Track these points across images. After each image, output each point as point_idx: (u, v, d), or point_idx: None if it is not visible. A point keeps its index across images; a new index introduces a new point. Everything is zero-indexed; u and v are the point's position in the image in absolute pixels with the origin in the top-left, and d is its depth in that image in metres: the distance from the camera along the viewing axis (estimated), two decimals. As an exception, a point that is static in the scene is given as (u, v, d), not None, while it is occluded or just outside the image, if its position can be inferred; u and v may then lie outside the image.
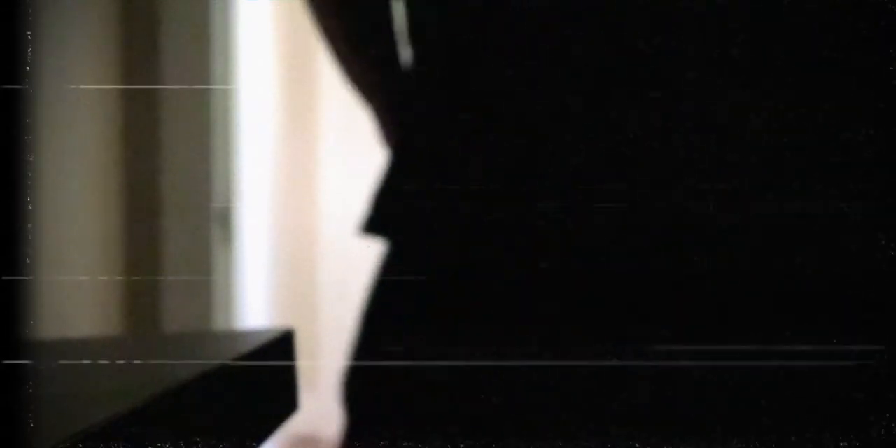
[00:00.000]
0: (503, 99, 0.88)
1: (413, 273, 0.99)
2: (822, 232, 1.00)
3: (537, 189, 0.90)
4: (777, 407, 1.06)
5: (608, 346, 0.95)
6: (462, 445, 1.57)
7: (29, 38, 0.47)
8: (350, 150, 2.98)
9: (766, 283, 0.99)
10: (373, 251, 1.34)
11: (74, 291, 1.70)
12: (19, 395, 0.47)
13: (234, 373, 0.62)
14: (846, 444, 0.99)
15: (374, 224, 0.97)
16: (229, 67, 2.19)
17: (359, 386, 1.17)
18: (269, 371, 0.70)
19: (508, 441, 1.34)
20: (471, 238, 0.94)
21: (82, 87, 1.72)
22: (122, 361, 0.67)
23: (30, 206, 0.47)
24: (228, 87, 2.21)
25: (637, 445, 0.97)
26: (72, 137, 1.68)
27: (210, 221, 2.09)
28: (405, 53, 0.94)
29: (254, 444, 0.65)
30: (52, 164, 1.59)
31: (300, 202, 3.38)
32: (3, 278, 0.46)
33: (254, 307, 2.83)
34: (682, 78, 0.91)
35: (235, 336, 0.76)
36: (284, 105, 3.18)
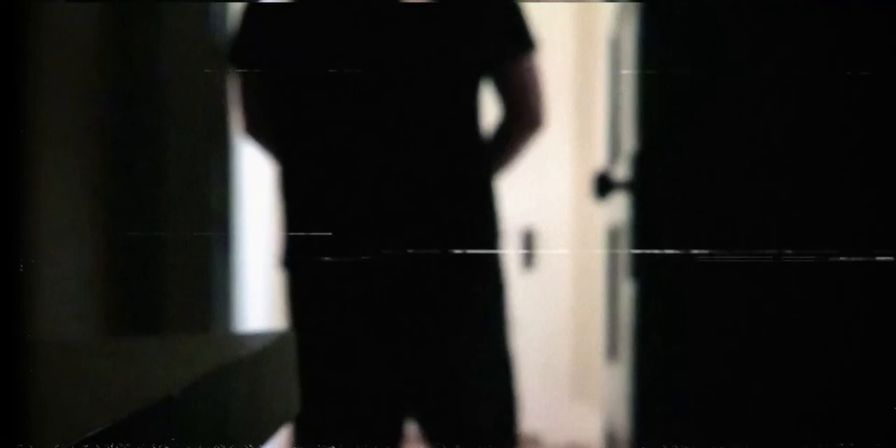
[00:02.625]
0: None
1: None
2: None
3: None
4: None
5: None
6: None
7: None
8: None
9: None
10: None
11: (74, 293, 1.70)
12: (20, 397, 0.47)
13: (234, 375, 0.62)
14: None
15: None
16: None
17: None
18: (270, 373, 0.70)
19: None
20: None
21: (83, 87, 1.72)
22: (122, 364, 0.67)
23: (29, 204, 0.47)
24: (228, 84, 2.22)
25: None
26: (72, 137, 1.68)
27: (210, 222, 2.09)
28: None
29: (254, 446, 0.65)
30: (52, 165, 1.59)
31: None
32: (4, 280, 0.46)
33: (254, 309, 2.83)
34: None
35: (235, 339, 0.76)
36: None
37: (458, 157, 1.68)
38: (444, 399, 1.66)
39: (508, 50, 1.72)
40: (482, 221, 1.70)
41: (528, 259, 3.52)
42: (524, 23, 1.73)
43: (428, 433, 1.67)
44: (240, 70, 1.81)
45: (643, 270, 1.52)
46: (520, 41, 1.73)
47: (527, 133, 1.79)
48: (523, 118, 1.77)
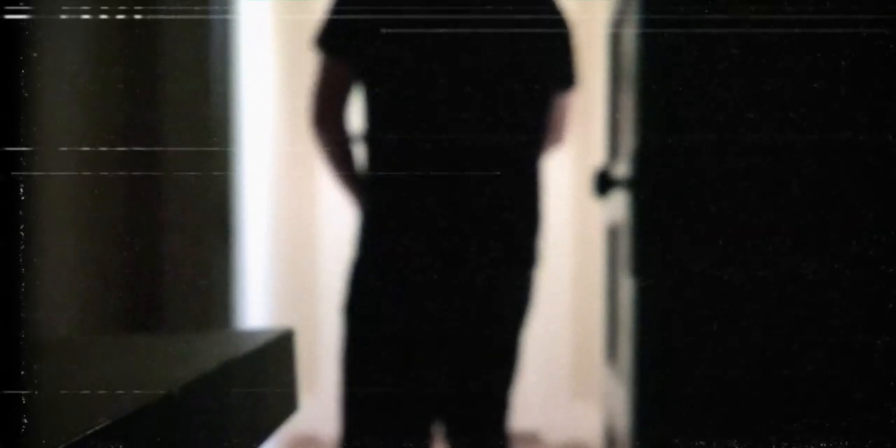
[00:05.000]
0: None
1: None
2: None
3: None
4: None
5: None
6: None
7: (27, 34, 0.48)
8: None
9: None
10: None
11: (74, 292, 1.70)
12: (20, 395, 0.47)
13: (234, 373, 0.62)
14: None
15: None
16: (229, 67, 2.19)
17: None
18: (269, 371, 0.70)
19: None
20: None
21: (83, 87, 1.72)
22: (122, 362, 0.67)
23: (28, 204, 0.47)
24: (228, 86, 2.21)
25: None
26: (71, 135, 1.68)
27: (210, 222, 2.09)
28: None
29: (254, 444, 0.65)
30: (52, 163, 1.59)
31: (300, 202, 3.38)
32: (4, 279, 0.46)
33: (254, 307, 2.83)
34: None
35: (235, 337, 0.76)
36: (284, 104, 3.18)
37: (525, 152, 1.90)
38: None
39: (561, 83, 1.98)
40: (535, 207, 1.90)
41: (528, 256, 3.52)
42: (577, 64, 2.01)
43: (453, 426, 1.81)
44: (328, 57, 1.82)
45: (643, 269, 1.52)
46: (572, 79, 2.00)
47: (551, 148, 2.06)
48: (552, 138, 2.02)
